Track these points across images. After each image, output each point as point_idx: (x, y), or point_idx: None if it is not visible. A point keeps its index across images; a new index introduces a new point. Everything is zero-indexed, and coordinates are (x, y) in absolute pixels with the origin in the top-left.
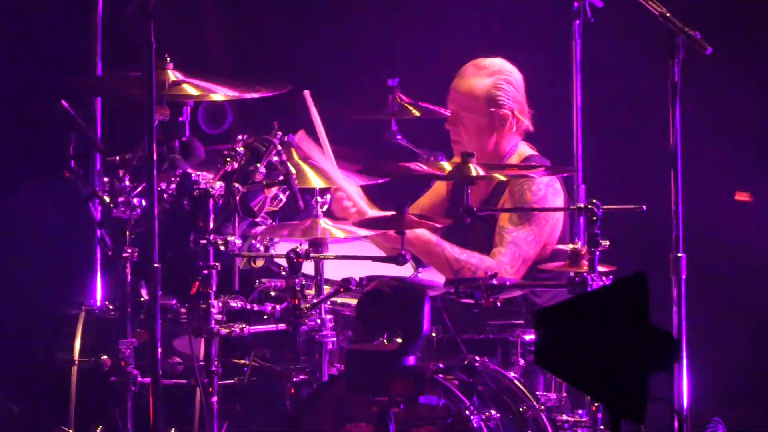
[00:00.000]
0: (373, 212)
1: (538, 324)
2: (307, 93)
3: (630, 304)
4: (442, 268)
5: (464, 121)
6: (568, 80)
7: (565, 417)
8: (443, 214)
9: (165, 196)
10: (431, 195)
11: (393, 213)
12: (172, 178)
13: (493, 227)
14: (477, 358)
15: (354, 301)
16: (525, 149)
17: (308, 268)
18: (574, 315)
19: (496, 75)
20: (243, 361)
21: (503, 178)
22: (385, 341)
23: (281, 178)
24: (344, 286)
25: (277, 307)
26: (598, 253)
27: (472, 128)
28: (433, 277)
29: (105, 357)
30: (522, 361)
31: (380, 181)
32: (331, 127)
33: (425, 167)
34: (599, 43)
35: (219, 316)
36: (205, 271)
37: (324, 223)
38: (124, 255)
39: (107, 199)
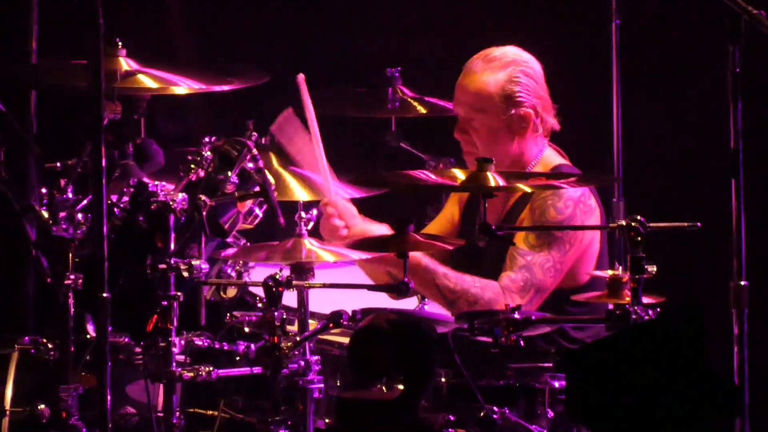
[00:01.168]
0: (374, 228)
1: (569, 367)
2: (301, 78)
3: (682, 342)
4: (433, 297)
5: (476, 127)
6: (605, 69)
7: None
8: None
9: (116, 210)
10: (441, 221)
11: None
12: (125, 189)
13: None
14: (495, 408)
15: (346, 340)
16: (552, 157)
17: (290, 298)
18: (614, 356)
19: (510, 66)
20: (211, 412)
21: (528, 189)
22: (383, 388)
23: (257, 189)
24: (334, 320)
25: (252, 346)
26: (642, 280)
27: (487, 135)
28: (443, 309)
29: (42, 406)
30: (550, 413)
31: (377, 193)
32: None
33: (433, 176)
34: (643, 26)
35: (181, 357)
36: (165, 303)
37: (309, 244)
38: (66, 282)
39: (45, 214)
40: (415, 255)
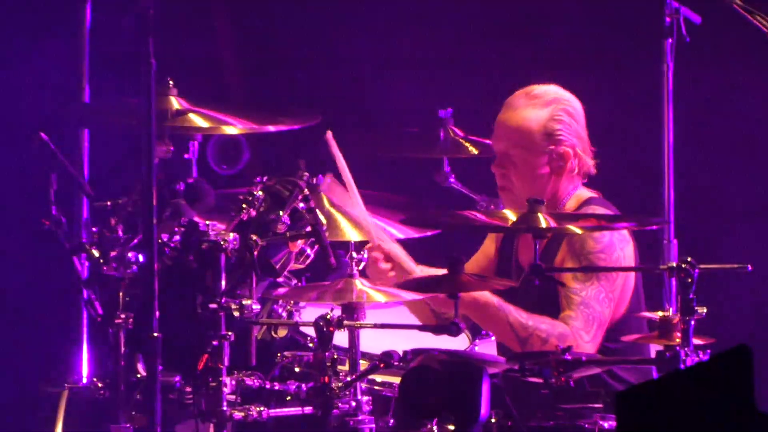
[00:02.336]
0: (420, 270)
1: (619, 408)
2: (329, 135)
3: (732, 384)
4: (505, 336)
5: (515, 162)
6: (657, 111)
7: None
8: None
9: (167, 249)
10: (479, 258)
11: (444, 272)
12: (176, 228)
13: (551, 287)
14: None
15: (396, 380)
16: (583, 191)
17: (341, 338)
18: (664, 398)
19: (552, 105)
20: None
21: (579, 231)
22: (434, 429)
23: (309, 229)
24: (385, 361)
25: (303, 386)
26: (693, 322)
27: (525, 171)
28: (493, 350)
29: None
30: None
31: (429, 233)
32: (369, 168)
33: (484, 217)
34: (696, 67)
35: (232, 397)
36: (216, 342)
37: (360, 284)
38: (116, 321)
39: (96, 253)
40: (483, 294)
